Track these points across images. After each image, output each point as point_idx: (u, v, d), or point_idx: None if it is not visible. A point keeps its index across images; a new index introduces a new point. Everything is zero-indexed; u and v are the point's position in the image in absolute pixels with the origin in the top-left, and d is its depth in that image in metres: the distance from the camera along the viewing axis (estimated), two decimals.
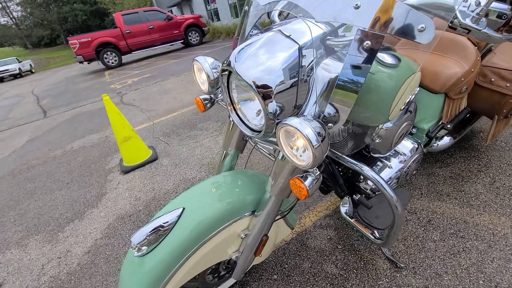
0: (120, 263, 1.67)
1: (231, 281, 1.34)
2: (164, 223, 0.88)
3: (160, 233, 0.87)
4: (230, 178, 1.07)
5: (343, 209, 1.37)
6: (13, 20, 37.01)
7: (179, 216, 0.91)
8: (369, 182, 1.25)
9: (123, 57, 12.15)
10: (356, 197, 1.34)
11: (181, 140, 3.17)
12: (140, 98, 5.47)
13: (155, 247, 0.88)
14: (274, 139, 0.85)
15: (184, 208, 0.94)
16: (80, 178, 2.83)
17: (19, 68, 18.01)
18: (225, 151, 1.22)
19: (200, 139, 3.07)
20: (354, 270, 1.34)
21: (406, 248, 1.39)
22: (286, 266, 1.44)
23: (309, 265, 1.41)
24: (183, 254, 0.89)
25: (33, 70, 20.26)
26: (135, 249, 0.86)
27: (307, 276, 1.36)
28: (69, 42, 10.06)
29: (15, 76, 17.98)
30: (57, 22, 33.46)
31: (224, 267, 1.25)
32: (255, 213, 1.02)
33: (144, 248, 0.86)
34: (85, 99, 6.46)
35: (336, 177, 1.21)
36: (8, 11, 36.05)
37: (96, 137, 3.88)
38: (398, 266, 1.31)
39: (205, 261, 1.00)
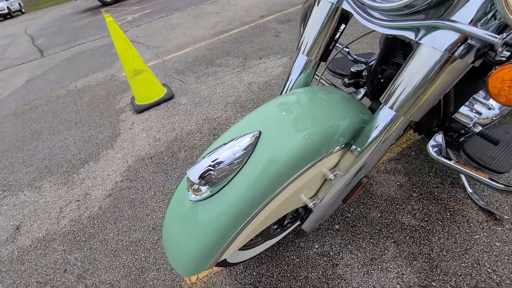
0: (149, 208, 1.47)
1: (289, 229, 1.11)
2: (235, 154, 0.58)
3: (231, 167, 0.58)
4: (310, 97, 0.73)
5: (432, 149, 1.06)
6: None
7: (254, 146, 0.61)
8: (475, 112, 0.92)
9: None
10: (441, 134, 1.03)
11: (198, 77, 2.77)
12: (144, 34, 4.86)
13: (222, 188, 0.60)
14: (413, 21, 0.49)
15: (260, 133, 0.63)
16: (89, 118, 2.54)
17: (7, 7, 16.52)
18: (297, 58, 0.85)
19: (220, 76, 2.66)
20: (439, 222, 1.09)
21: (506, 197, 1.11)
22: (349, 215, 1.19)
23: (378, 215, 1.17)
24: (259, 200, 0.61)
25: (23, 10, 18.64)
26: (191, 189, 0.57)
27: (377, 227, 1.12)
28: None
29: (5, 17, 16.61)
30: None
31: (290, 216, 1.00)
32: (352, 146, 0.71)
33: (205, 189, 0.58)
34: (84, 37, 5.83)
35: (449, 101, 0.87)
36: None
37: (101, 76, 3.48)
38: (498, 218, 1.05)
39: (280, 209, 0.73)
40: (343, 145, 0.71)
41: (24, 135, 2.53)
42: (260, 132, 0.63)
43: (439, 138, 1.07)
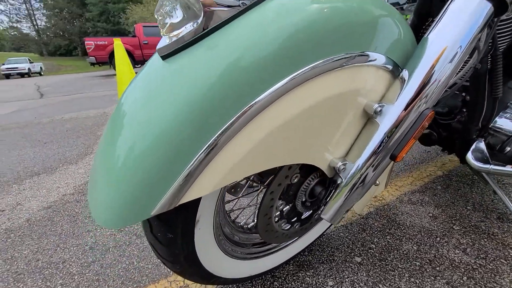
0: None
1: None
2: None
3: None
4: None
5: (473, 159, 0.85)
6: (36, 27, 38.33)
7: None
8: None
9: (136, 67, 12.21)
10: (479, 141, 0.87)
11: None
12: None
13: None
14: None
15: None
16: (62, 140, 2.26)
17: (29, 68, 17.89)
18: None
19: None
20: (503, 260, 0.77)
21: None
22: (373, 246, 0.85)
23: (415, 248, 0.84)
24: (253, 88, 0.39)
25: (42, 73, 20.16)
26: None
27: (417, 263, 0.78)
28: (85, 42, 10.04)
29: (22, 75, 17.81)
30: (77, 35, 34.68)
31: (304, 203, 0.66)
32: (402, 72, 0.52)
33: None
34: (89, 90, 6.06)
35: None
36: (33, 18, 37.55)
37: (94, 112, 3.37)
38: None
39: (287, 145, 0.46)
40: (383, 63, 0.51)
41: None
42: None
43: (480, 145, 0.87)
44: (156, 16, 0.44)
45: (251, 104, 0.40)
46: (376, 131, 0.53)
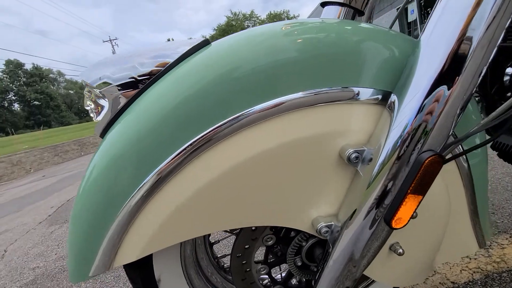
0: None
1: None
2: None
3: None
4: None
5: None
6: None
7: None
8: None
9: None
10: None
11: None
12: None
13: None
14: None
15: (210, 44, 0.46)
16: None
17: None
18: None
19: None
20: None
21: None
22: None
23: None
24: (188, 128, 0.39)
25: None
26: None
27: None
28: None
29: None
30: None
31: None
32: (390, 98, 0.43)
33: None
34: None
35: None
36: None
37: None
38: None
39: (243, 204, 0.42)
40: (369, 97, 0.43)
41: None
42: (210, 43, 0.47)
43: None
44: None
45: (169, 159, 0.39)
46: (358, 183, 0.43)
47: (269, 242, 0.54)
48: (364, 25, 0.50)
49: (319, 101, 0.42)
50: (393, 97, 0.41)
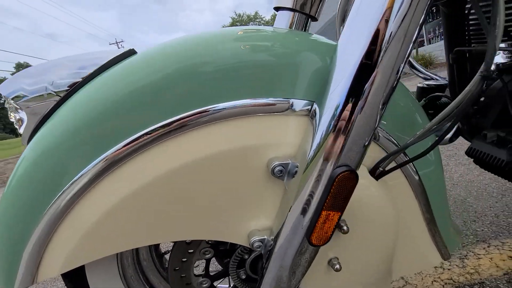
0: None
1: None
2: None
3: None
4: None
5: None
6: None
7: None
8: None
9: None
10: None
11: None
12: None
13: None
14: None
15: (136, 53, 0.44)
16: None
17: None
18: None
19: None
20: None
21: None
22: None
23: None
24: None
25: None
26: None
27: None
28: None
29: None
30: None
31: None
32: (313, 107, 0.41)
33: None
34: None
35: None
36: None
37: None
38: None
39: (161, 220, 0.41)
40: (301, 106, 0.41)
41: None
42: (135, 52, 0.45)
43: None
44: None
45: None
46: (286, 197, 0.42)
47: (208, 255, 0.53)
48: (298, 34, 0.49)
49: (250, 112, 0.41)
50: (315, 107, 0.40)
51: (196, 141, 0.40)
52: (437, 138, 0.43)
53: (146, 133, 0.38)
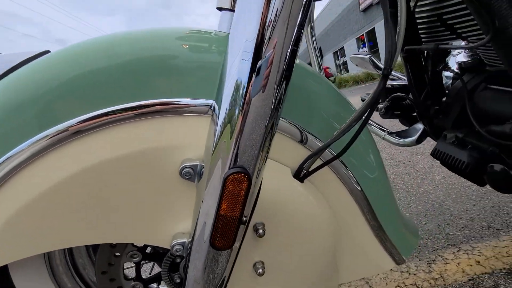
0: None
1: None
2: None
3: None
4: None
5: None
6: None
7: None
8: None
9: None
10: None
11: None
12: None
13: None
14: None
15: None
16: None
17: None
18: None
19: None
20: None
21: None
22: None
23: None
24: None
25: None
26: None
27: None
28: None
29: None
30: None
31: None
32: (212, 107, 0.40)
33: None
34: None
35: None
36: None
37: None
38: None
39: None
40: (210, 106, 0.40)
41: None
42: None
43: None
44: None
45: None
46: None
47: (136, 259, 0.52)
48: (200, 31, 0.47)
49: (160, 113, 0.40)
50: (214, 106, 0.39)
51: (103, 142, 0.39)
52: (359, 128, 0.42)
53: (54, 133, 0.38)
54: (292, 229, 0.47)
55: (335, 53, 20.46)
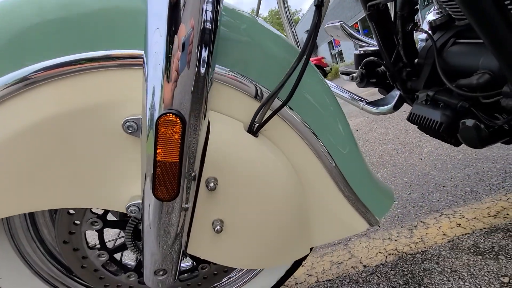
0: None
1: None
2: None
3: None
4: None
5: None
6: None
7: None
8: None
9: None
10: None
11: None
12: None
13: None
14: None
15: None
16: None
17: None
18: None
19: None
20: None
21: None
22: None
23: None
24: None
25: None
26: None
27: None
28: None
29: None
30: None
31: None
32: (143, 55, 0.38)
33: None
34: None
35: None
36: None
37: None
38: None
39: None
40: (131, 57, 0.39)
41: None
42: None
43: None
44: None
45: None
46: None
47: (97, 226, 0.51)
48: None
49: (97, 68, 0.39)
50: (143, 56, 0.38)
51: (41, 99, 0.38)
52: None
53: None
54: (248, 183, 0.46)
55: (329, 43, 20.30)
